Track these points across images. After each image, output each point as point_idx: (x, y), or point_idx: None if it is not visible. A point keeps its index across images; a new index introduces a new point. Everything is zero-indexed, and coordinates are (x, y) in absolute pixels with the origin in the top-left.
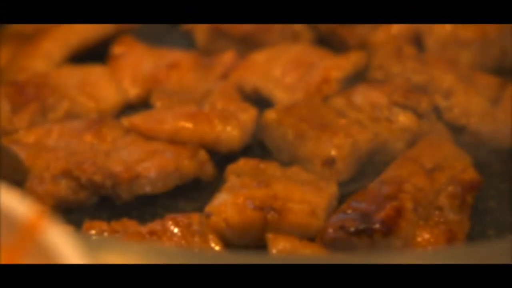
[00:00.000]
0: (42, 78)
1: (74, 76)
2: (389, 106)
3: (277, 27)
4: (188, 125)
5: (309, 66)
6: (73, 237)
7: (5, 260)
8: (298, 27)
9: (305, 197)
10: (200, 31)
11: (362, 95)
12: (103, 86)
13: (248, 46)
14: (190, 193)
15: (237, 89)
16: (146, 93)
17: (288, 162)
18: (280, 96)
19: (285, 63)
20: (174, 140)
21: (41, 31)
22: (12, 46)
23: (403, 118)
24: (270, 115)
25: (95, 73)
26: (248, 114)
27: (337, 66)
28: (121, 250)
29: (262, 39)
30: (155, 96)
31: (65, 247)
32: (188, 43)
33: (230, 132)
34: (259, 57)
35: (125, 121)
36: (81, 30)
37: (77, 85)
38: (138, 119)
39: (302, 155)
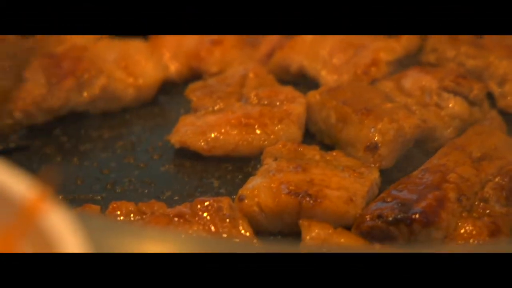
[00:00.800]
0: (79, 51)
1: (112, 50)
2: (439, 92)
3: None
4: (245, 138)
5: (359, 47)
6: (75, 223)
7: None
8: None
9: (343, 183)
10: None
11: (412, 79)
12: (143, 61)
13: None
14: (225, 174)
15: (282, 68)
16: (187, 70)
17: (330, 146)
18: (327, 77)
19: (333, 43)
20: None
21: None
22: None
23: (453, 105)
24: (313, 97)
25: (134, 47)
26: (299, 105)
27: (387, 48)
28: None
29: None
30: (191, 91)
31: (65, 234)
32: None
33: (289, 131)
34: (306, 36)
35: (174, 140)
36: None
37: (115, 59)
38: (188, 137)
39: (345, 139)
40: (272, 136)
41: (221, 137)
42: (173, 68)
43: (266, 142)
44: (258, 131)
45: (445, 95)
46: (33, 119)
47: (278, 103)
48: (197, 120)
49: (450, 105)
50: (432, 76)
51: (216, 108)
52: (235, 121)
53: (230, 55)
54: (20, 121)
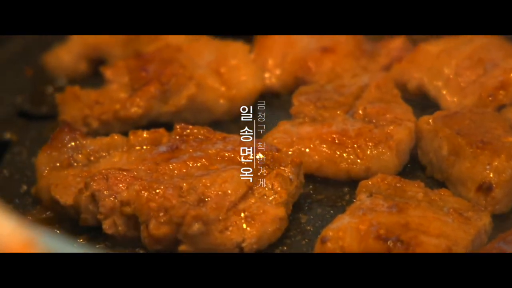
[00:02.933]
0: (171, 52)
1: (210, 51)
2: None
3: None
4: (331, 157)
5: (490, 65)
6: None
7: None
8: None
9: (444, 229)
10: None
11: None
12: (241, 66)
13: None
14: (316, 207)
15: (398, 85)
16: (292, 80)
17: (441, 182)
18: (448, 98)
19: (461, 59)
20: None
21: None
22: None
23: None
24: (426, 123)
25: (235, 49)
26: (404, 129)
27: None
28: None
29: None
30: (298, 94)
31: None
32: None
33: (383, 158)
34: (431, 48)
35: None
36: None
37: (209, 63)
38: (272, 141)
39: (456, 176)
40: (361, 161)
41: (307, 152)
42: (276, 77)
43: (354, 166)
44: (348, 153)
45: None
46: (109, 128)
47: (383, 123)
48: (291, 128)
49: None
50: None
51: (317, 117)
52: (327, 136)
53: (342, 66)
54: (95, 130)
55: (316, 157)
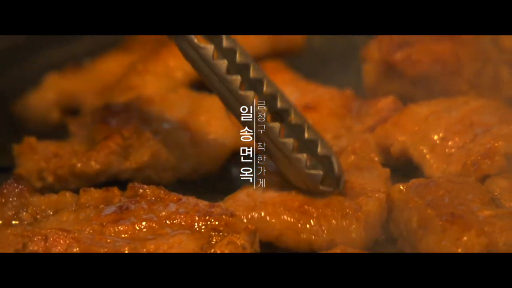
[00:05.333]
0: (141, 104)
1: (183, 104)
2: None
3: (470, 70)
4: (292, 227)
5: (481, 130)
6: None
7: None
8: (506, 74)
9: None
10: (371, 65)
11: None
12: (212, 122)
13: (427, 92)
14: None
15: (382, 149)
16: None
17: None
18: (433, 165)
19: (451, 123)
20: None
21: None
22: (132, 56)
23: None
24: (398, 192)
25: (209, 103)
26: (375, 201)
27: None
28: None
29: (445, 85)
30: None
31: None
32: (356, 79)
33: (349, 231)
34: (420, 110)
35: (216, 212)
36: None
37: (180, 118)
38: (232, 204)
39: (423, 251)
40: (324, 233)
41: (268, 218)
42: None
43: (317, 237)
44: (312, 223)
45: None
46: (66, 184)
47: (353, 194)
48: (256, 191)
49: None
50: None
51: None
52: (292, 203)
53: (324, 125)
54: (51, 186)
55: (277, 225)
